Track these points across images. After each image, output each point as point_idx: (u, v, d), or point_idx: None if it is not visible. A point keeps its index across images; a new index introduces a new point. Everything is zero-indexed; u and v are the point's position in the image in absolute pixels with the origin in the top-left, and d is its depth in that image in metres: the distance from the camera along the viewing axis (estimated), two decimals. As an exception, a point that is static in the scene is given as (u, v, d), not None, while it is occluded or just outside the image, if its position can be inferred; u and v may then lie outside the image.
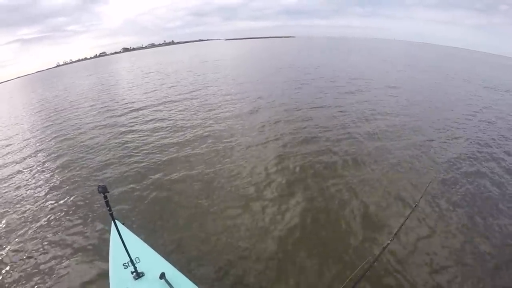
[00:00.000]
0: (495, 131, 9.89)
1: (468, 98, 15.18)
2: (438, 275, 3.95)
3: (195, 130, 9.94)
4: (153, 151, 8.52)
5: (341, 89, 15.99)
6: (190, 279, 3.00)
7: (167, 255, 3.47)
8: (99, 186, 2.48)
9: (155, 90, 18.90)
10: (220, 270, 4.07)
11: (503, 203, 5.69)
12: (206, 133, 9.55)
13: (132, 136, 10.08)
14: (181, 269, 3.15)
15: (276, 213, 5.34)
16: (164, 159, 7.89)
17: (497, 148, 8.36)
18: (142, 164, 7.68)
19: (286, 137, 8.86)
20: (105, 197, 2.54)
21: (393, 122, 10.30)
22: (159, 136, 9.67)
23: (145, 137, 9.77)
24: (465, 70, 30.62)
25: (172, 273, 3.01)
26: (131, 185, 6.63)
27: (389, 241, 3.08)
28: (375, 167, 6.98)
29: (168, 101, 14.90)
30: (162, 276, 2.85)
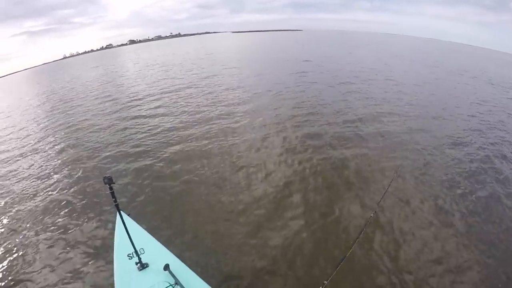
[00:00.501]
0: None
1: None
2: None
3: (203, 122, 10.02)
4: (160, 141, 8.63)
5: (343, 81, 16.28)
6: (194, 271, 3.00)
7: (171, 245, 3.50)
8: (104, 177, 2.48)
9: (158, 81, 19.13)
10: (225, 264, 4.10)
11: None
12: (214, 124, 9.65)
13: (138, 126, 10.19)
14: (185, 261, 3.16)
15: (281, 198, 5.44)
16: (170, 149, 7.97)
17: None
18: (149, 154, 7.77)
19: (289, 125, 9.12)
20: (111, 188, 2.53)
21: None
22: (166, 127, 9.77)
23: (151, 127, 9.90)
24: (471, 66, 30.36)
25: (176, 264, 3.01)
26: (136, 175, 6.71)
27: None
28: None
29: (171, 92, 15.02)
30: (166, 267, 2.85)
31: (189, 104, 12.49)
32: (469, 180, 6.29)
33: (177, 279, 2.74)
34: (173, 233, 4.72)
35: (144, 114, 11.69)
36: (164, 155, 7.64)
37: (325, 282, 2.26)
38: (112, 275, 3.00)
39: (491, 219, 5.11)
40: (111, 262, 3.27)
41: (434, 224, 4.90)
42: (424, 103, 12.36)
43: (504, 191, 5.96)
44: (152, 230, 3.73)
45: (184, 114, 11.08)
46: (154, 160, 7.38)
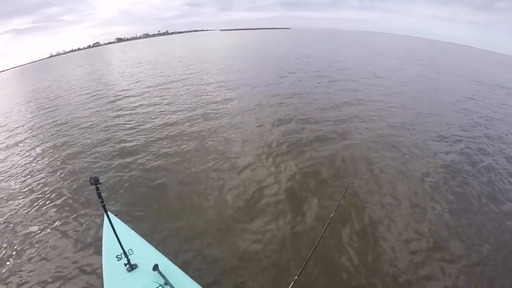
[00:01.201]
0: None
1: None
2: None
3: (186, 116, 10.28)
4: (144, 136, 8.74)
5: (325, 78, 16.59)
6: (184, 270, 3.01)
7: (159, 245, 3.49)
8: (90, 178, 2.46)
9: (142, 80, 19.21)
10: (214, 263, 4.12)
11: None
12: (197, 117, 10.05)
13: (123, 123, 10.27)
14: (174, 260, 3.15)
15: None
16: (156, 145, 8.05)
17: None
18: (135, 152, 7.76)
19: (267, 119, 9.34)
20: (97, 189, 2.52)
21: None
22: (151, 123, 9.89)
23: (137, 122, 10.08)
24: (458, 65, 31.01)
25: (165, 264, 3.01)
26: (121, 171, 6.77)
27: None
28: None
29: (156, 88, 15.29)
30: (156, 267, 2.85)
31: (173, 101, 12.64)
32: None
33: (166, 279, 2.74)
34: (157, 231, 4.74)
35: (128, 111, 11.71)
36: (151, 152, 7.66)
37: (296, 277, 2.36)
38: (101, 277, 2.97)
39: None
40: (99, 263, 3.24)
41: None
42: (407, 100, 12.58)
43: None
44: (139, 230, 3.71)
45: (169, 108, 11.43)
46: (140, 158, 7.37)
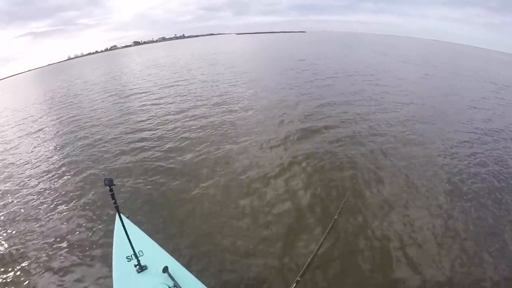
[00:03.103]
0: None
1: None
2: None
3: (204, 119, 10.22)
4: (161, 139, 8.74)
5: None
6: (193, 273, 2.99)
7: (170, 247, 3.50)
8: (105, 179, 2.47)
9: (161, 80, 19.45)
10: (223, 266, 4.09)
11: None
12: (214, 122, 9.88)
13: (139, 125, 10.31)
14: (184, 263, 3.15)
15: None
16: (173, 149, 8.02)
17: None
18: (150, 153, 7.81)
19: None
20: (111, 190, 2.53)
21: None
22: (167, 126, 9.86)
23: (153, 126, 10.03)
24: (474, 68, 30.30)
25: (175, 267, 2.99)
26: (136, 174, 6.76)
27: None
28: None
29: (176, 91, 15.21)
30: (165, 269, 2.83)
31: (195, 104, 12.58)
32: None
33: (176, 281, 2.73)
34: (171, 235, 4.72)
35: (148, 113, 11.79)
36: (165, 155, 7.66)
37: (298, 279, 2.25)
38: (111, 277, 2.99)
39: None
40: (110, 264, 3.27)
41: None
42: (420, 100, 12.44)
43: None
44: (151, 232, 3.74)
45: (187, 110, 11.32)
46: (155, 161, 7.39)
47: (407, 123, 9.54)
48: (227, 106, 11.73)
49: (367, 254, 4.23)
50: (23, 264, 4.41)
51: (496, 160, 7.25)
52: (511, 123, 10.17)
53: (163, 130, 9.46)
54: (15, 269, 4.33)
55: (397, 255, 4.19)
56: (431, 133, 8.82)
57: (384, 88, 14.68)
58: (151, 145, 8.38)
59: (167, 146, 8.24)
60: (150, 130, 9.67)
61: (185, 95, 14.38)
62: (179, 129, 9.51)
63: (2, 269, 4.35)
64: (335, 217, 2.96)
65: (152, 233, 3.72)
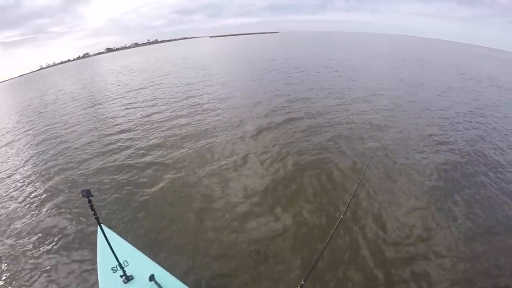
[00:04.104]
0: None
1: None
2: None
3: (177, 124, 10.29)
4: (136, 145, 8.71)
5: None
6: (180, 279, 3.00)
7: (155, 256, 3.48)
8: (82, 190, 2.44)
9: (133, 88, 19.12)
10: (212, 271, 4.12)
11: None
12: (188, 123, 10.13)
13: (111, 131, 10.38)
14: (169, 270, 3.14)
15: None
16: (147, 156, 7.94)
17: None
18: (125, 161, 7.72)
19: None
20: (90, 201, 2.51)
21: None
22: (142, 133, 9.76)
23: (127, 130, 10.19)
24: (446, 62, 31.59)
25: (162, 274, 3.00)
26: (111, 180, 6.68)
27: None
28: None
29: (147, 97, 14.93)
30: (152, 278, 2.84)
31: (167, 106, 12.53)
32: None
33: (163, 288, 2.73)
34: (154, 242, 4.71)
35: (123, 117, 11.78)
36: (141, 160, 7.65)
37: (302, 282, 2.18)
38: (98, 290, 2.95)
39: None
40: (95, 276, 3.22)
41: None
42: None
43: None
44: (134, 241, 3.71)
45: (162, 114, 11.24)
46: (132, 168, 7.30)
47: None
48: (197, 108, 12.12)
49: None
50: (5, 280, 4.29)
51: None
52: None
53: (137, 133, 9.62)
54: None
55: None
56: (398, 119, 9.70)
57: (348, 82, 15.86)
58: (125, 148, 8.50)
59: (141, 146, 8.44)
60: (124, 132, 9.81)
61: (157, 99, 14.58)
62: (153, 130, 9.75)
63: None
64: (341, 216, 2.91)
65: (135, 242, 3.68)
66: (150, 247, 4.46)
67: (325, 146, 7.67)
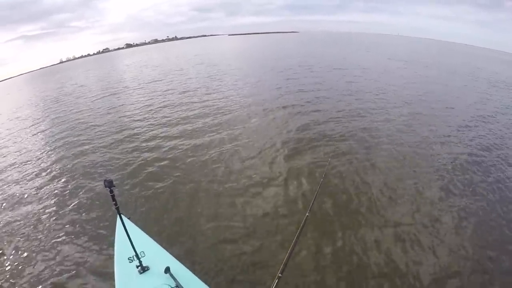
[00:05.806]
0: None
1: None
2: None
3: (200, 119, 10.26)
4: (158, 140, 8.69)
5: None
6: (195, 274, 3.00)
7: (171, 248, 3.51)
8: (105, 180, 2.45)
9: (154, 81, 19.64)
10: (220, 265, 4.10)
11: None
12: (210, 121, 9.99)
13: (136, 125, 10.35)
14: (186, 264, 3.15)
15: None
16: (169, 148, 8.02)
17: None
18: (147, 154, 7.74)
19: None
20: (111, 191, 2.51)
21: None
22: (163, 127, 9.86)
23: (150, 127, 10.05)
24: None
25: (177, 267, 2.99)
26: (134, 176, 6.70)
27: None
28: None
29: (167, 95, 15.02)
30: (167, 270, 2.83)
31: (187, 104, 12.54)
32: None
33: (178, 281, 2.73)
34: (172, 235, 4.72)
35: (143, 113, 11.79)
36: (163, 155, 7.66)
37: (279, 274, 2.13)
38: (112, 279, 2.98)
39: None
40: (111, 265, 3.26)
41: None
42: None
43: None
44: (152, 233, 3.73)
45: (181, 110, 11.22)
46: (151, 160, 7.38)
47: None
48: (218, 105, 12.00)
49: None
50: (27, 267, 4.38)
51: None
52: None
53: (159, 131, 9.47)
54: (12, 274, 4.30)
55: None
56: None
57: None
58: (144, 144, 8.46)
59: (163, 144, 8.32)
60: (144, 131, 9.65)
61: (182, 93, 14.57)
62: (178, 128, 9.55)
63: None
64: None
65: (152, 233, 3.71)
66: (168, 240, 4.45)
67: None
